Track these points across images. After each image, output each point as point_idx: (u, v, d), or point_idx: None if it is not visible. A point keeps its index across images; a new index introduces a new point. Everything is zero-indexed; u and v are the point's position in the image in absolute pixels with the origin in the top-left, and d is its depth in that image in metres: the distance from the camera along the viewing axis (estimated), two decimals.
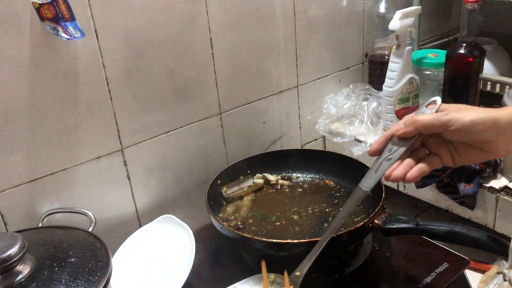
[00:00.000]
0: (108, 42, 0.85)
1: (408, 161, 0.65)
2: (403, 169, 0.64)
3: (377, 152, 0.67)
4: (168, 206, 1.03)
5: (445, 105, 0.65)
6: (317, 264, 0.86)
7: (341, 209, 0.73)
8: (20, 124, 0.79)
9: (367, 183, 0.68)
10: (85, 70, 0.84)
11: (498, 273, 0.92)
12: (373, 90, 1.21)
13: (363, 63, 1.33)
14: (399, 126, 0.65)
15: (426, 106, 0.66)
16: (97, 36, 0.83)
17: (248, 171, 1.05)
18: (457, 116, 0.61)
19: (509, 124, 0.61)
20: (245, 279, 0.78)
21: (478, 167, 0.91)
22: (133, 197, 0.97)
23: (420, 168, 0.64)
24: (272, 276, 0.77)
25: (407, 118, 0.65)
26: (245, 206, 0.98)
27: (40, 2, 0.73)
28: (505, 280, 0.87)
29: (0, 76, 0.75)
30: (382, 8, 1.23)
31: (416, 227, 0.78)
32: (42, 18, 0.75)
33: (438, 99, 0.65)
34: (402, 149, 0.65)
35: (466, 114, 0.61)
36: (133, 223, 0.99)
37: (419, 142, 0.66)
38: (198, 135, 1.03)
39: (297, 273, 0.75)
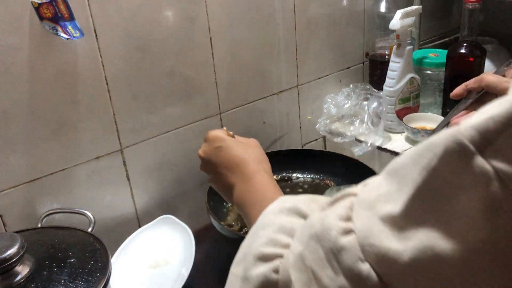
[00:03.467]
0: (108, 42, 0.85)
1: (473, 112, 0.75)
2: (462, 117, 0.76)
3: (456, 96, 0.81)
4: (168, 206, 1.03)
5: None
6: None
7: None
8: (20, 124, 0.79)
9: (438, 127, 0.89)
10: (85, 70, 0.83)
11: None
12: (374, 90, 1.21)
13: (363, 63, 1.32)
14: (471, 81, 0.75)
15: (505, 67, 0.75)
16: (96, 36, 0.83)
17: None
18: None
19: None
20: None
21: None
22: (133, 198, 0.97)
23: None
24: None
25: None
26: None
27: (39, 1, 0.73)
28: None
29: None
30: (382, 7, 1.23)
31: None
32: (41, 18, 0.74)
33: None
34: (465, 103, 0.78)
35: None
36: (132, 223, 0.98)
37: (494, 97, 0.75)
38: (198, 135, 1.03)
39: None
